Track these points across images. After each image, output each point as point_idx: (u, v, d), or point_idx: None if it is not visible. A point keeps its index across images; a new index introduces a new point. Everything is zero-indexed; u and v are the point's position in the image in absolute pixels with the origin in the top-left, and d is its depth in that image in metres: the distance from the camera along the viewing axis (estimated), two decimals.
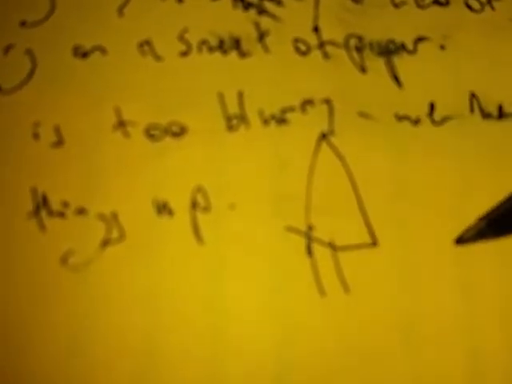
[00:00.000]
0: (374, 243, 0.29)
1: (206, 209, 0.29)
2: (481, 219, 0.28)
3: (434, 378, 0.28)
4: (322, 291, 0.29)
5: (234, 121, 0.30)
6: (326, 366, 0.28)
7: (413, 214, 0.29)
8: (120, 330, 0.28)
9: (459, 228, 0.29)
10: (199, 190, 0.29)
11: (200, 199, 0.29)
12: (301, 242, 0.29)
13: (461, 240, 0.28)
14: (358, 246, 0.29)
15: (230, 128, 0.30)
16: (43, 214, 0.29)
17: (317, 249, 0.29)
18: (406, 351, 0.28)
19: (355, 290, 0.29)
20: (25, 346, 0.28)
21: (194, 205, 0.29)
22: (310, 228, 0.29)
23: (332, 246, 0.29)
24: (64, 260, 0.28)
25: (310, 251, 0.29)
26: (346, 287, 0.29)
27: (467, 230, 0.28)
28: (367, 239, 0.29)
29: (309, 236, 0.29)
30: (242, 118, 0.30)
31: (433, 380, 0.28)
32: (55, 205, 0.29)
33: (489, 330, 0.28)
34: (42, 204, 0.29)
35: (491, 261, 0.29)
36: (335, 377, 0.28)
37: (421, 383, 0.28)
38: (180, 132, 0.30)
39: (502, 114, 0.30)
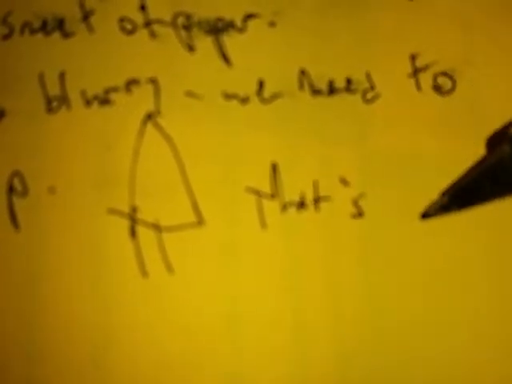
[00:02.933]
0: (200, 222, 0.28)
1: (24, 194, 0.28)
2: (443, 194, 0.28)
3: (255, 358, 0.27)
4: (144, 272, 0.28)
5: (55, 102, 0.29)
6: (147, 346, 0.27)
7: (239, 194, 0.29)
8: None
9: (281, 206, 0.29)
10: (16, 174, 0.28)
11: (17, 184, 0.28)
12: (124, 224, 0.28)
13: (426, 215, 0.28)
14: (184, 226, 0.28)
15: (50, 110, 0.29)
16: None
17: (141, 230, 0.28)
18: (229, 330, 0.27)
19: (179, 270, 0.28)
20: None
21: (11, 190, 0.28)
22: (134, 210, 0.28)
23: (156, 227, 0.28)
24: None
25: (133, 233, 0.28)
26: (169, 267, 0.28)
27: (431, 206, 0.28)
28: (193, 219, 0.28)
29: (132, 218, 0.28)
30: (63, 99, 0.29)
31: (254, 361, 0.27)
32: None
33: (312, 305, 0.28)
34: None
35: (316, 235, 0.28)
36: (160, 358, 0.27)
37: (241, 363, 0.27)
38: None
39: (332, 90, 0.30)
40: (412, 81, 0.30)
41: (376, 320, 0.28)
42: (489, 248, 0.29)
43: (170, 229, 0.28)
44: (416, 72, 0.30)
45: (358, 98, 0.30)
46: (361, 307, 0.28)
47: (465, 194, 0.27)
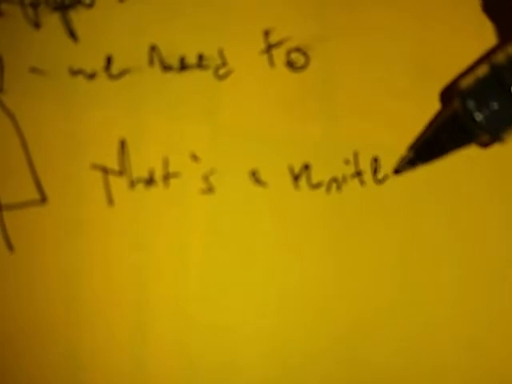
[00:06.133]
0: (44, 200, 0.28)
1: None
2: (410, 149, 0.28)
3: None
4: None
5: None
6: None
7: (84, 171, 0.28)
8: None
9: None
10: None
11: None
12: None
13: (397, 171, 0.29)
14: (26, 204, 0.28)
15: None
16: None
17: None
18: (70, 311, 0.27)
19: (20, 249, 0.27)
20: None
21: None
22: None
23: None
24: None
25: None
26: (10, 246, 0.27)
27: (400, 161, 0.28)
28: (36, 196, 0.28)
29: None
30: None
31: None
32: None
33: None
34: None
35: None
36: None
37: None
38: None
39: (183, 66, 0.30)
40: (265, 57, 0.30)
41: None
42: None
43: (11, 206, 0.28)
44: (269, 48, 0.30)
45: (209, 74, 0.30)
46: (206, 285, 0.28)
47: (426, 148, 0.28)
